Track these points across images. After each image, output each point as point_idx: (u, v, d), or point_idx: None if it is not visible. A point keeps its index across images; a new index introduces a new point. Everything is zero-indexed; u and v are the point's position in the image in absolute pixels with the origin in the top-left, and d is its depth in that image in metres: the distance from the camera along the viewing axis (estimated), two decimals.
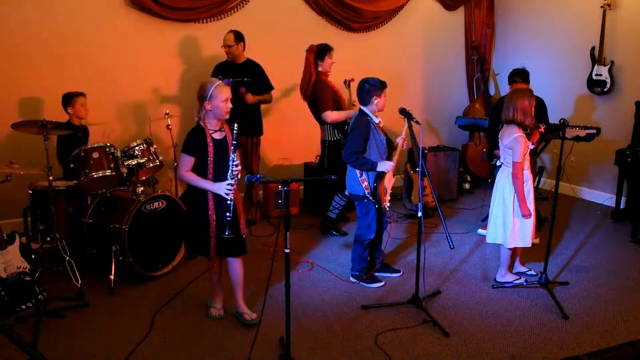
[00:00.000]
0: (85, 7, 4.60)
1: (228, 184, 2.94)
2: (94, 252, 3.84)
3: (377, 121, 3.57)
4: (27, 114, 4.44)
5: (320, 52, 4.43)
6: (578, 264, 4.17)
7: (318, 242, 4.64)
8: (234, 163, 2.96)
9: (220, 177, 2.98)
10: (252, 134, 4.83)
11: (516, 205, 3.50)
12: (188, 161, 2.96)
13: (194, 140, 2.95)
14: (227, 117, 2.98)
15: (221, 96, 2.91)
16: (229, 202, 2.94)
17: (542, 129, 3.74)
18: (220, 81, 2.95)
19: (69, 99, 4.08)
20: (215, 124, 2.99)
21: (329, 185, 4.49)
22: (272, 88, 4.86)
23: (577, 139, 4.21)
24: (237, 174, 3.00)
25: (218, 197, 2.98)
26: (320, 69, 4.45)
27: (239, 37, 4.65)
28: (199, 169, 2.98)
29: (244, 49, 4.73)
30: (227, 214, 2.94)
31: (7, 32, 4.33)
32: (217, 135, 3.00)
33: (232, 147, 2.96)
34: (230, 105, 2.96)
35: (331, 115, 4.39)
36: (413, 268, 3.50)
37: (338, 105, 4.48)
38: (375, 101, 3.53)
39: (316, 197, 5.37)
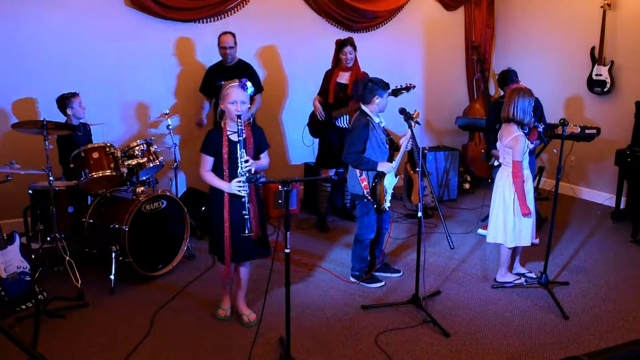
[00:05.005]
0: (85, 7, 4.60)
1: (237, 181, 2.91)
2: (94, 252, 3.84)
3: (377, 121, 3.57)
4: (27, 114, 4.44)
5: (338, 46, 4.67)
6: (578, 264, 4.17)
7: (318, 242, 4.64)
8: (243, 159, 2.92)
9: (235, 176, 2.97)
10: None
11: (516, 205, 3.50)
12: (207, 160, 3.00)
13: (210, 140, 2.99)
14: (237, 119, 2.89)
15: (229, 98, 2.91)
16: (242, 199, 2.91)
17: (540, 128, 3.74)
18: (237, 82, 2.94)
19: (67, 101, 4.04)
20: (233, 125, 2.96)
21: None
22: (261, 90, 4.85)
23: (576, 138, 4.21)
24: (249, 171, 2.93)
25: (233, 199, 2.98)
26: (342, 61, 4.67)
27: (235, 38, 4.72)
28: (217, 169, 3.01)
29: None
30: (243, 212, 2.90)
31: (6, 32, 4.32)
32: (234, 137, 2.94)
33: (240, 144, 2.90)
34: (240, 107, 2.90)
35: (315, 101, 4.71)
36: (413, 268, 3.50)
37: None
38: (377, 101, 3.52)
39: (316, 197, 5.36)
